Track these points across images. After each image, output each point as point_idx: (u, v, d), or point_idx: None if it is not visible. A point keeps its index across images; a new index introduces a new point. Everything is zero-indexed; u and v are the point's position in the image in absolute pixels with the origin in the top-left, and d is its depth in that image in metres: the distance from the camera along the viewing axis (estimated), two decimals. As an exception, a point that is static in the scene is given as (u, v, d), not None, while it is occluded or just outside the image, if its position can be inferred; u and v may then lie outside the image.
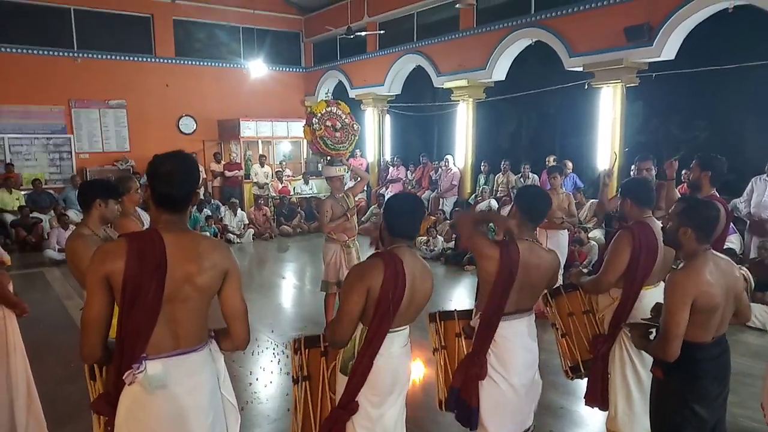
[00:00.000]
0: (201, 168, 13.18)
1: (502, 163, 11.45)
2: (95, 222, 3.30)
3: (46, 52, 12.77)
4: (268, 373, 4.92)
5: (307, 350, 2.59)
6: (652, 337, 2.65)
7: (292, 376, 2.61)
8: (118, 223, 3.68)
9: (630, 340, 3.06)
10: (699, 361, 2.45)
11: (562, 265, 6.80)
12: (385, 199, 10.92)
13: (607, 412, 3.35)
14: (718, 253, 2.56)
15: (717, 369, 2.48)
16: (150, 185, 2.02)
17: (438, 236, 10.04)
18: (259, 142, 14.37)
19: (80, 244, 3.08)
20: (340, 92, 15.29)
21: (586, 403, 3.46)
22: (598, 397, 3.32)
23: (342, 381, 2.46)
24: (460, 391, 2.83)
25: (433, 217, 11.01)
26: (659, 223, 3.18)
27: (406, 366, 2.56)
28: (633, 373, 3.21)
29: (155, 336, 1.94)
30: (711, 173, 3.87)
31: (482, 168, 11.95)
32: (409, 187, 12.75)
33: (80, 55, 13.12)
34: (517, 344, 2.82)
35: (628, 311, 3.16)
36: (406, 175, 13.30)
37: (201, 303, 2.03)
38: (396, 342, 2.47)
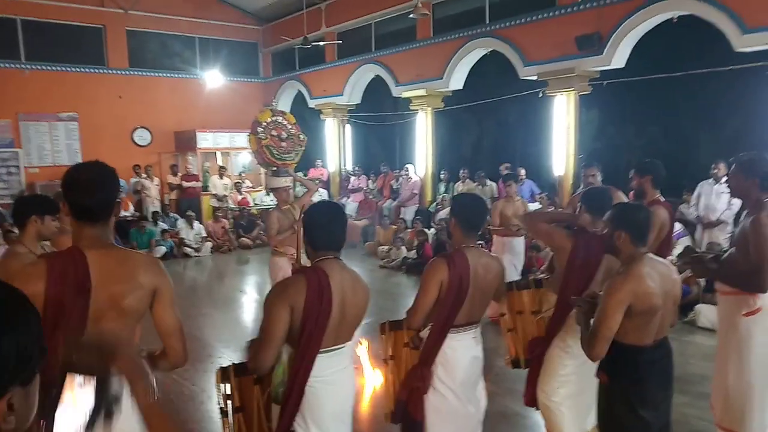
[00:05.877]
0: (157, 180, 12.84)
1: (461, 171, 11.54)
2: (31, 239, 3.18)
3: (-9, 64, 12.35)
4: (222, 390, 4.79)
5: (238, 378, 2.35)
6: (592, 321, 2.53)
7: (220, 408, 2.36)
8: (57, 240, 3.53)
9: (564, 342, 3.08)
10: (641, 365, 2.46)
11: (519, 271, 6.94)
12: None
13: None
14: (656, 257, 2.60)
15: (660, 373, 2.50)
16: (67, 198, 1.90)
17: (402, 246, 10.00)
18: (218, 153, 14.14)
19: (14, 263, 2.96)
20: (299, 102, 15.20)
21: (525, 404, 3.45)
22: (535, 397, 3.31)
23: (277, 411, 2.29)
24: (407, 404, 2.77)
25: (395, 227, 11.00)
26: None
27: (349, 388, 2.40)
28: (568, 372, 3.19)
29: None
30: (651, 177, 3.97)
31: (442, 176, 12.02)
32: (371, 197, 12.74)
33: (28, 66, 12.69)
34: (466, 356, 2.81)
35: (564, 317, 3.13)
36: (368, 184, 13.27)
37: (128, 324, 1.95)
38: (333, 363, 2.28)
